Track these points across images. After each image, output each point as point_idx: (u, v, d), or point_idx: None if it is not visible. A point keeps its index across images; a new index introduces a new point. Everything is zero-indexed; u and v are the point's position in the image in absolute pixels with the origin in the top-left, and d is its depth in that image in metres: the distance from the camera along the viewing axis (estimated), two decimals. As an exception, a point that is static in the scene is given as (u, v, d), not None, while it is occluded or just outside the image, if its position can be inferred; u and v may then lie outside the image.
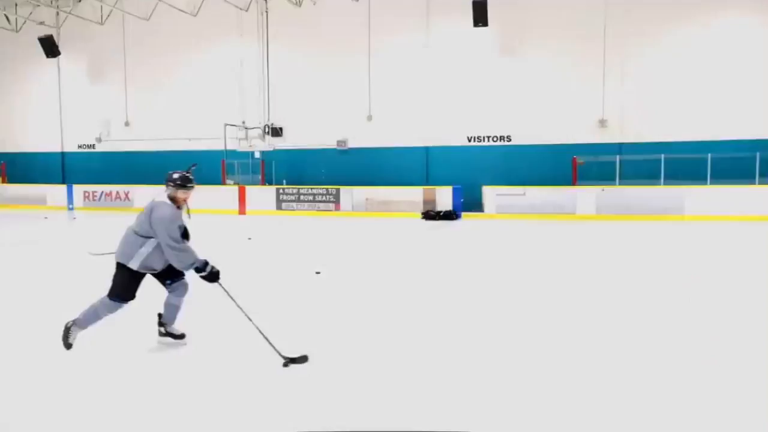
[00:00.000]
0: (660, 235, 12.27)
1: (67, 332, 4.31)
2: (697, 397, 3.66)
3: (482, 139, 18.09)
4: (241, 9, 19.87)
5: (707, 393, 3.73)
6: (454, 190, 16.60)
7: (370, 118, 19.04)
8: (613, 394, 3.70)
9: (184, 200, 4.39)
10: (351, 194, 17.54)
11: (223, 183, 19.22)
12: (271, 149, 19.57)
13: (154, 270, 4.37)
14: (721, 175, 15.11)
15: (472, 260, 9.61)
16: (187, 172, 4.41)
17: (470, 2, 16.14)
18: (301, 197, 17.96)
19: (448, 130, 18.33)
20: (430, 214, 16.23)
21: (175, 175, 4.34)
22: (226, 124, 19.85)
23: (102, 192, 20.13)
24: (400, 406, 3.56)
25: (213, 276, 4.31)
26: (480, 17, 16.19)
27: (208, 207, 16.55)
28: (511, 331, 5.20)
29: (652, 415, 3.40)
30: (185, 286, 4.62)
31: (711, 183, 15.16)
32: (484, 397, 3.68)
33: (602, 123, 17.05)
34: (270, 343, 4.27)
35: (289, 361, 4.15)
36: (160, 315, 4.73)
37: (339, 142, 19.30)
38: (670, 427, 3.24)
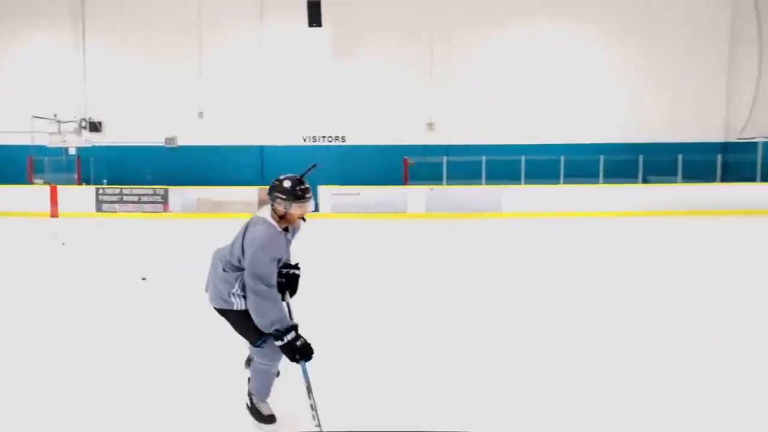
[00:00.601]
0: (480, 231, 13.20)
1: (256, 410, 3.32)
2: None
3: (317, 139, 18.16)
4: (52, -10, 17.95)
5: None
6: (290, 190, 16.40)
7: (201, 115, 18.19)
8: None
9: (299, 218, 3.20)
10: (181, 195, 16.62)
11: (30, 182, 17.19)
12: (89, 145, 17.88)
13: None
14: (534, 175, 16.61)
15: (308, 260, 9.54)
16: (302, 177, 3.19)
17: (305, 2, 16.10)
18: (125, 198, 16.63)
19: (283, 130, 18.14)
20: (266, 215, 15.91)
21: (287, 183, 3.10)
22: (33, 116, 17.78)
23: None
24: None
25: (296, 350, 2.96)
26: (314, 18, 16.22)
27: (11, 210, 14.69)
28: (352, 331, 5.21)
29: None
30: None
31: (525, 183, 16.61)
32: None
33: (430, 126, 17.96)
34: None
35: None
36: (249, 361, 3.79)
37: (167, 140, 18.20)
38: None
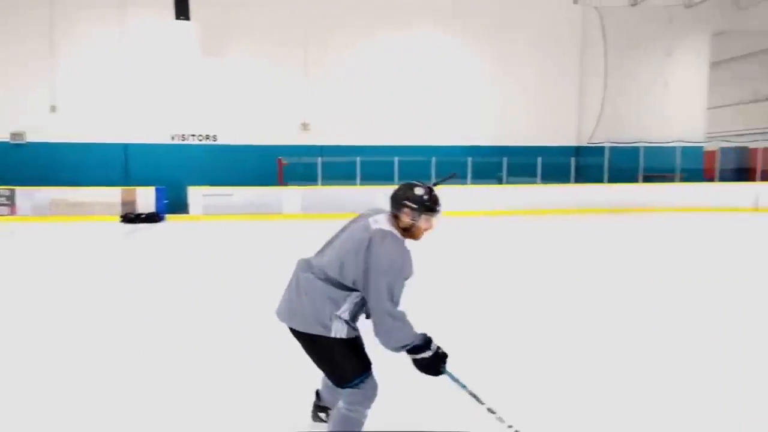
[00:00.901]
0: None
1: None
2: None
3: (186, 137, 17.38)
4: None
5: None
6: (157, 191, 15.58)
7: (54, 109, 16.70)
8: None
9: (426, 232, 2.71)
10: (31, 196, 15.16)
11: None
12: None
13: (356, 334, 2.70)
14: (407, 176, 17.01)
15: (176, 264, 9.10)
16: (433, 187, 2.70)
17: (170, -7, 15.37)
18: (-38, 200, 14.87)
19: (150, 127, 17.15)
20: (130, 217, 14.95)
21: (419, 191, 2.63)
22: None
23: None
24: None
25: (438, 360, 2.61)
26: (181, 10, 15.53)
27: None
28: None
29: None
30: None
31: (398, 184, 16.98)
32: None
33: (305, 126, 17.86)
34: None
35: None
36: (318, 394, 3.18)
37: (13, 135, 16.51)
38: None
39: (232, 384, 3.92)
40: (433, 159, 17.27)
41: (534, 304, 6.25)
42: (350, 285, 2.56)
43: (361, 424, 2.64)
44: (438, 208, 2.64)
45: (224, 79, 17.45)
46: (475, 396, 2.70)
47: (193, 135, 17.42)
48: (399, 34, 18.42)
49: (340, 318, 2.56)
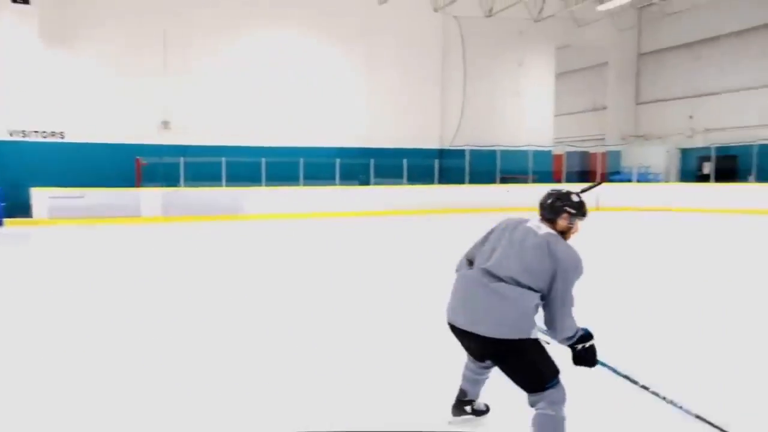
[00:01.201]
0: (223, 234, 12.91)
1: None
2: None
3: (28, 133, 15.71)
4: None
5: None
6: (-6, 193, 13.98)
7: None
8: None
9: (573, 234, 2.89)
10: None
11: None
12: None
13: None
14: (275, 178, 16.75)
15: (11, 273, 8.25)
16: (580, 194, 2.95)
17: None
18: None
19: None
20: (-41, 222, 13.29)
21: (575, 197, 2.89)
22: None
23: None
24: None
25: (593, 353, 2.78)
26: (20, -6, 14.08)
27: None
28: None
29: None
30: None
31: (266, 185, 16.69)
32: None
33: (166, 125, 16.91)
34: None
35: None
36: (463, 390, 3.20)
37: None
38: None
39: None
40: (301, 160, 17.16)
41: (390, 304, 6.40)
42: (536, 288, 2.68)
43: (560, 421, 2.68)
44: (587, 214, 2.90)
45: (72, 70, 15.98)
46: (629, 378, 2.90)
47: (36, 131, 15.80)
48: (266, 33, 18.04)
49: (534, 320, 2.71)
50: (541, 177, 20.06)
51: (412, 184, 18.20)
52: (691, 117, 21.02)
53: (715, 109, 20.21)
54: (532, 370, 2.66)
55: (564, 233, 2.84)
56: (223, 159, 16.34)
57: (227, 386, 3.71)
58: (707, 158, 19.57)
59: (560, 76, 22.51)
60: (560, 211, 2.84)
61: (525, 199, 17.97)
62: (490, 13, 19.58)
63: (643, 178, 20.28)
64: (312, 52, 18.58)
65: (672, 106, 21.84)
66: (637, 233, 13.57)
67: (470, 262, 2.92)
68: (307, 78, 18.43)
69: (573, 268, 2.70)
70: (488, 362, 2.95)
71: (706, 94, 20.53)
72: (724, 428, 2.79)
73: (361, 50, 18.99)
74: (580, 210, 2.86)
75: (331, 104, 18.76)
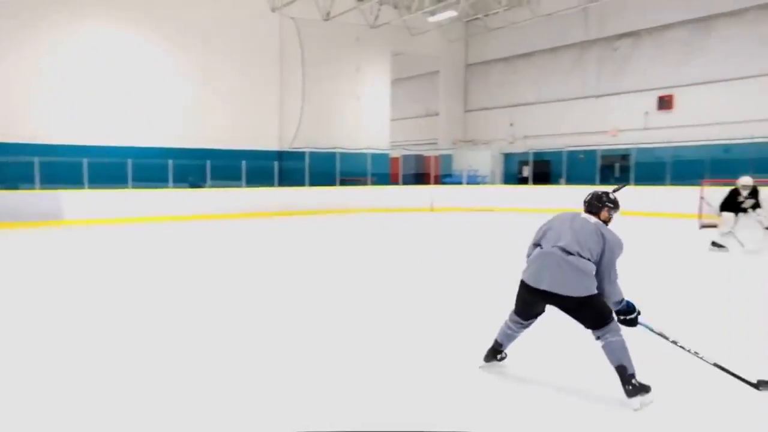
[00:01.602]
0: (40, 241, 11.68)
1: (641, 387, 3.52)
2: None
3: None
4: None
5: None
6: None
7: None
8: None
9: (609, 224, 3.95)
10: None
11: None
12: None
13: None
14: (99, 179, 15.43)
15: None
16: (614, 192, 4.09)
17: None
18: None
19: None
20: None
21: (613, 197, 3.98)
22: None
23: None
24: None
25: (634, 322, 3.77)
26: None
27: None
28: None
29: None
30: None
31: (89, 187, 15.32)
32: None
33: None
34: (734, 374, 3.69)
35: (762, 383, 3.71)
36: (498, 341, 4.13)
37: None
38: None
39: None
40: (129, 161, 16.02)
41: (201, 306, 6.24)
42: (593, 260, 3.65)
43: (625, 345, 3.58)
44: (620, 207, 3.97)
45: None
46: (662, 335, 3.78)
47: None
48: (89, 28, 16.60)
49: (595, 280, 3.65)
50: (380, 179, 20.72)
51: (251, 186, 17.80)
52: (511, 125, 23.02)
53: (531, 118, 22.34)
54: (598, 314, 3.60)
55: (606, 222, 3.86)
56: (37, 159, 14.73)
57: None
58: (526, 162, 21.57)
59: (396, 82, 23.43)
60: (603, 205, 3.91)
61: (363, 201, 18.90)
62: (327, 17, 19.77)
63: (472, 180, 21.79)
64: (138, 49, 17.42)
65: (495, 114, 23.75)
66: (466, 232, 14.45)
67: (536, 245, 3.83)
68: (133, 76, 17.24)
69: (618, 245, 3.70)
70: (527, 322, 3.96)
71: (524, 104, 22.63)
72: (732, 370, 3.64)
73: (195, 48, 18.16)
74: (617, 205, 3.94)
75: (162, 103, 17.74)
